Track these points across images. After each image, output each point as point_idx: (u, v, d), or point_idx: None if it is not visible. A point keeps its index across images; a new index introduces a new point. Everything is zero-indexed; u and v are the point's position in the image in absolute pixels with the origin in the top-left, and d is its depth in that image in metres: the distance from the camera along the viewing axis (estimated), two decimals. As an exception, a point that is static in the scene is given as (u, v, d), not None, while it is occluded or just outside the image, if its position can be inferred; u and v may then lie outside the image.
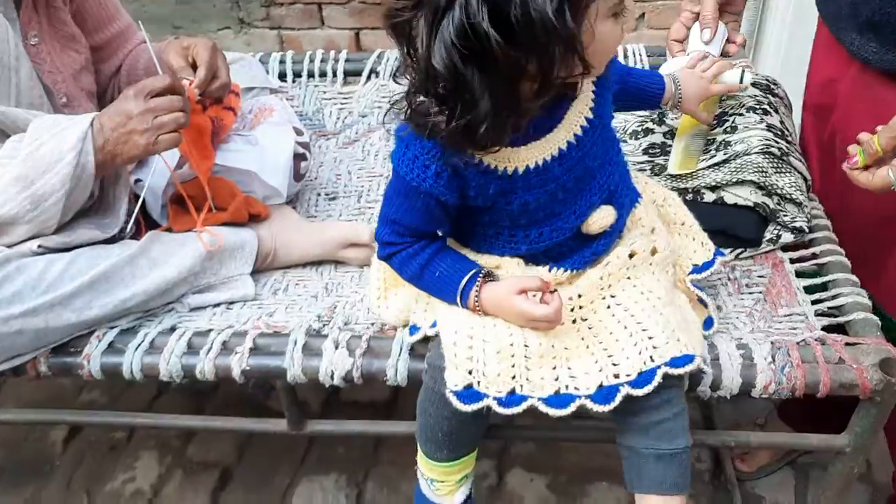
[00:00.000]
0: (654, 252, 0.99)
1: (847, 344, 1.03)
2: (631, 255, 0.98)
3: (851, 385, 0.99)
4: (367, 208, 1.44)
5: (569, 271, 0.98)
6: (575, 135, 0.89)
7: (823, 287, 1.15)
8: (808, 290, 1.15)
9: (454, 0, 0.71)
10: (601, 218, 0.95)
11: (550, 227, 0.95)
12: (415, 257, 0.96)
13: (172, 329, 1.13)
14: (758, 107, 1.25)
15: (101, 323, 1.11)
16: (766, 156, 1.18)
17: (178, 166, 1.27)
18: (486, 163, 0.87)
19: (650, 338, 0.91)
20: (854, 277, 1.13)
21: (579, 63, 0.76)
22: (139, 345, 1.09)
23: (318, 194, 1.48)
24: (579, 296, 0.97)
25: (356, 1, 2.62)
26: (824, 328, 1.08)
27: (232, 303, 1.22)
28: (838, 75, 1.18)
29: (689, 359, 0.90)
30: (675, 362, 0.90)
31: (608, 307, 0.96)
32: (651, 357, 0.90)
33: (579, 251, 0.98)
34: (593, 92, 0.92)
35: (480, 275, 0.93)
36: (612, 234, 0.99)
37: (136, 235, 1.22)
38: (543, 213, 0.93)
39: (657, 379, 0.89)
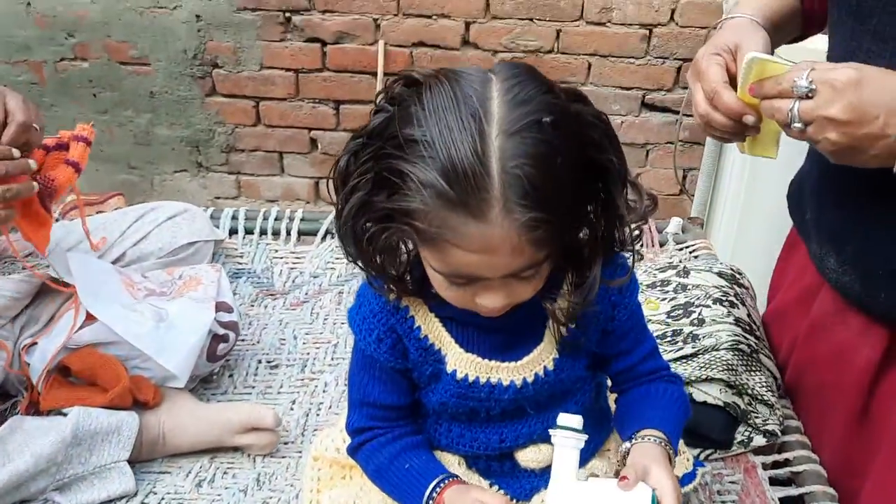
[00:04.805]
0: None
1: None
2: None
3: None
4: (310, 379, 1.33)
5: (511, 498, 0.86)
6: (524, 379, 0.80)
7: (800, 500, 1.06)
8: (784, 501, 1.07)
9: None
10: (533, 458, 0.84)
11: (472, 435, 0.85)
12: (387, 446, 0.85)
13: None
14: (724, 298, 1.21)
15: None
16: (736, 353, 1.12)
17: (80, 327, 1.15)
18: (429, 341, 0.81)
19: None
20: (832, 491, 1.05)
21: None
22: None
23: (259, 361, 1.37)
24: None
25: (318, 152, 2.63)
26: (804, 550, 0.99)
27: (108, 502, 1.05)
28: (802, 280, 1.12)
29: None
30: None
31: None
32: None
33: (514, 478, 0.86)
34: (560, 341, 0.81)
35: (451, 478, 0.82)
36: None
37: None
38: (465, 418, 0.84)
39: None
